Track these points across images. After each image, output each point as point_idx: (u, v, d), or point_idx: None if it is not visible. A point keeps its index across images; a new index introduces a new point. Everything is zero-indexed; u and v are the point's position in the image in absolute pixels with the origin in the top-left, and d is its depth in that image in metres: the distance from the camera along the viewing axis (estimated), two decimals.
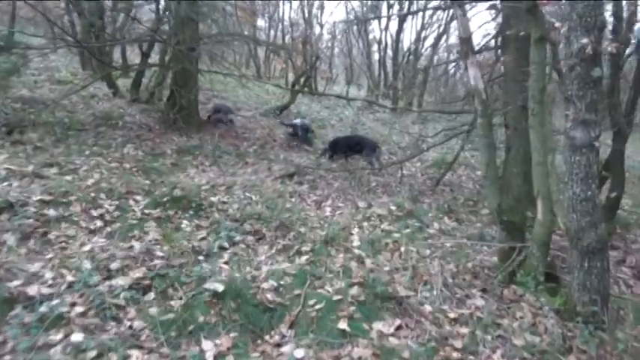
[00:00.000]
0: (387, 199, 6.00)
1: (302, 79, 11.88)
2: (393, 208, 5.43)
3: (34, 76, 10.90)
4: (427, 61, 17.11)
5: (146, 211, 4.66)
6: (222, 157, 7.30)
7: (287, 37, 19.86)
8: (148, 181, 5.48)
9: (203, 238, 4.27)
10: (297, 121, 9.39)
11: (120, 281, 3.21)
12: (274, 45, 9.30)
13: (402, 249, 4.32)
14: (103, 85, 10.87)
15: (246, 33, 15.42)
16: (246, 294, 3.25)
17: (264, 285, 3.44)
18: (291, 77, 22.53)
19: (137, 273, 3.34)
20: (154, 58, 12.22)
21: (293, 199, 5.71)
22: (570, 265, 3.43)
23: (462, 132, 6.59)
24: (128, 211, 4.61)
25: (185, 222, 4.57)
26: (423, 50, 17.58)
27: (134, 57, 12.73)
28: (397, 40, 16.67)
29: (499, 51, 6.74)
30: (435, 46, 16.21)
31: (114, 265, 3.41)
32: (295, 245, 4.29)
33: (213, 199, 5.13)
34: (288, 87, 13.29)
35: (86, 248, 3.67)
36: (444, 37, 16.53)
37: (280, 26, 23.98)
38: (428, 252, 4.34)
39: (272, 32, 24.94)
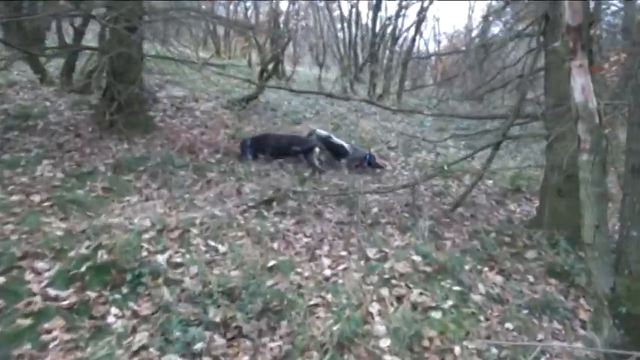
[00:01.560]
0: (401, 237, 4.48)
1: (271, 65, 10.10)
2: (417, 259, 3.90)
3: None
4: (409, 43, 15.54)
5: (51, 293, 2.95)
6: (176, 173, 5.54)
7: (250, 12, 17.81)
8: (61, 230, 3.72)
9: (143, 348, 2.62)
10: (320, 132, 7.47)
11: None
12: (239, 24, 7.51)
13: (457, 350, 2.81)
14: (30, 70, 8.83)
15: (203, 7, 13.41)
16: None
17: None
18: (255, 58, 20.54)
19: None
20: (92, 38, 10.17)
21: (276, 245, 4.09)
22: None
23: (490, 145, 5.11)
24: (21, 295, 2.89)
25: (114, 311, 2.89)
26: (403, 30, 15.97)
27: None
28: (375, 18, 14.99)
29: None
30: (418, 26, 14.64)
31: None
32: (293, 353, 2.71)
33: (160, 259, 3.45)
34: (253, 78, 11.50)
35: None
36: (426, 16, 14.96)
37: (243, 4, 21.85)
38: (494, 352, 2.86)
39: (232, 7, 22.75)
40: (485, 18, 11.23)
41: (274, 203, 4.98)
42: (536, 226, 4.89)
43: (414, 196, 5.29)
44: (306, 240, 4.26)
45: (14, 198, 4.14)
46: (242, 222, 4.37)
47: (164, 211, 4.37)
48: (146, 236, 3.77)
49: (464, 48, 13.98)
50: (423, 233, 4.42)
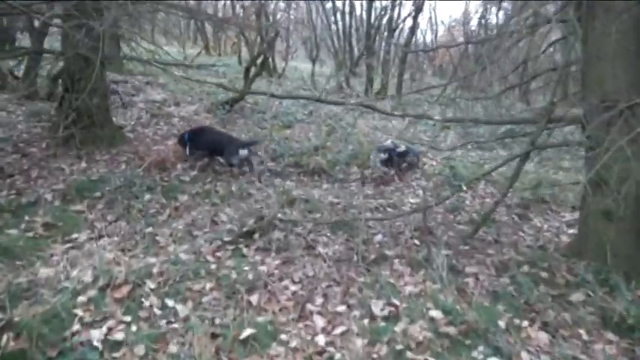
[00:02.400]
0: (413, 279, 3.58)
1: (258, 61, 9.18)
2: (437, 315, 3.02)
3: None
4: (407, 34, 14.56)
5: None
6: (141, 197, 4.63)
7: (238, 7, 16.82)
8: None
9: None
10: (389, 143, 6.59)
11: None
12: (220, 19, 6.62)
13: None
14: None
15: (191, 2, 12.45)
16: None
17: None
18: (245, 54, 19.58)
19: None
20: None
21: (255, 298, 3.19)
22: None
23: (517, 156, 4.20)
24: None
25: None
26: (400, 20, 14.98)
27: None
28: (370, 7, 13.97)
29: None
30: (416, 15, 13.65)
31: None
32: None
33: (94, 336, 2.56)
34: (233, 83, 10.56)
35: None
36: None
37: None
38: None
39: (220, 3, 21.75)
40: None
41: (256, 235, 4.08)
42: (576, 255, 3.99)
43: (425, 222, 4.38)
44: (293, 288, 3.36)
45: None
46: (213, 267, 3.46)
47: (114, 256, 3.46)
48: (82, 299, 2.87)
49: (474, 38, 13.09)
50: (441, 274, 3.52)
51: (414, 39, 14.63)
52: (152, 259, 3.43)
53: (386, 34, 15.06)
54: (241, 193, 5.08)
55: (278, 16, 10.85)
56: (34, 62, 8.13)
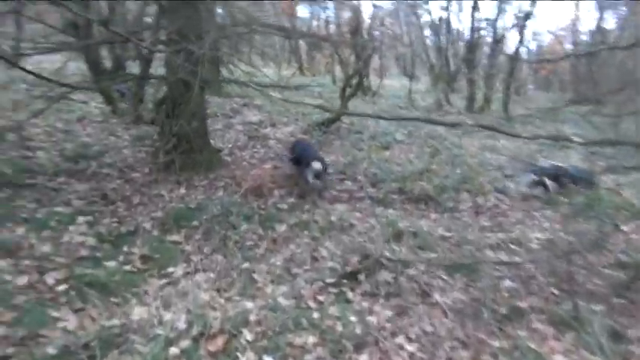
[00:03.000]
0: (562, 345, 2.87)
1: (354, 81, 8.82)
2: None
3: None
4: (516, 44, 13.47)
5: None
6: (237, 228, 4.37)
7: (332, 27, 16.75)
8: (62, 336, 2.63)
9: None
10: (547, 165, 6.16)
11: None
12: (316, 36, 6.34)
13: None
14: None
15: (286, 24, 12.56)
16: None
17: None
18: (338, 73, 19.48)
19: None
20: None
21: (366, 358, 2.69)
22: None
23: None
24: None
25: None
26: (505, 30, 13.90)
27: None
28: (472, 18, 13.07)
29: None
30: (522, 24, 12.54)
31: None
32: None
33: None
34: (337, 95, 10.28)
35: None
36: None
37: (323, 15, 21.01)
38: None
39: (314, 22, 22.01)
40: None
41: (361, 276, 3.60)
42: None
43: (568, 269, 3.61)
44: (410, 348, 2.82)
45: (21, 280, 3.17)
46: (316, 315, 3.03)
47: (209, 297, 3.16)
48: (175, 350, 2.57)
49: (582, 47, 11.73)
50: (599, 339, 2.77)
51: (521, 49, 13.47)
52: (249, 304, 3.07)
53: (489, 46, 14.06)
54: (342, 224, 4.64)
55: (375, 33, 10.45)
56: (140, 88, 8.50)
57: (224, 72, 7.77)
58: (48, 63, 10.96)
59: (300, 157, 5.70)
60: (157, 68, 8.69)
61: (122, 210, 4.48)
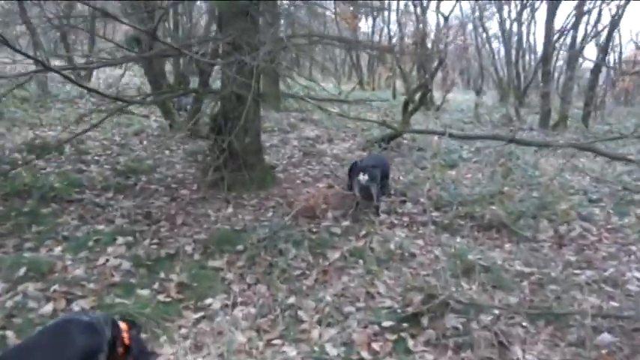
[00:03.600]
0: None
1: (417, 95, 8.25)
2: None
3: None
4: (599, 54, 12.33)
5: None
6: (285, 254, 3.95)
7: (394, 40, 16.28)
8: None
9: None
10: None
11: None
12: (379, 48, 5.91)
13: None
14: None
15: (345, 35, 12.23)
16: None
17: None
18: (399, 87, 18.91)
19: None
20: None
21: None
22: None
23: None
24: None
25: None
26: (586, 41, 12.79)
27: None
28: (549, 28, 12.05)
29: None
30: (610, 33, 11.43)
31: None
32: None
33: None
34: (398, 110, 9.73)
35: None
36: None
37: (385, 29, 20.60)
38: None
39: (376, 37, 21.62)
40: None
41: (424, 320, 3.05)
42: None
43: None
44: None
45: (47, 308, 2.91)
46: None
47: (248, 339, 2.74)
48: None
49: None
50: None
51: (606, 59, 12.29)
52: (292, 351, 2.63)
53: (564, 57, 12.99)
54: (402, 254, 4.11)
55: (441, 45, 9.82)
56: (199, 102, 8.41)
57: (282, 86, 7.48)
58: (113, 79, 11.32)
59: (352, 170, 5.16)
60: (217, 81, 8.62)
61: (164, 230, 4.20)
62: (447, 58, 11.85)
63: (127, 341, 2.19)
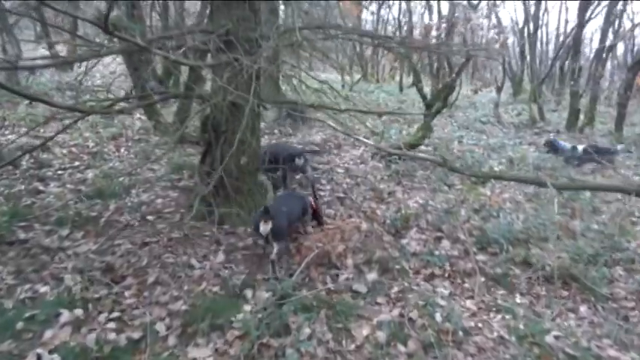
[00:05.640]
0: None
1: (443, 94, 7.11)
2: None
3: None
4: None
5: None
6: (297, 334, 2.85)
7: (403, 26, 15.01)
8: None
9: None
10: None
11: None
12: (414, 44, 4.84)
13: None
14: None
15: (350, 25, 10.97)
16: None
17: None
18: (406, 81, 17.70)
19: None
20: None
21: None
22: None
23: None
24: None
25: None
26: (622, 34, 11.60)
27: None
28: (581, 20, 10.79)
29: None
30: None
31: None
32: None
33: None
34: (407, 104, 8.58)
35: None
36: None
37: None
38: None
39: (379, 27, 20.31)
40: None
41: None
42: None
43: None
44: None
45: None
46: None
47: None
48: None
49: None
50: None
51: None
52: None
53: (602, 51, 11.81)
54: (454, 331, 3.01)
55: (470, 36, 8.61)
56: (185, 106, 7.29)
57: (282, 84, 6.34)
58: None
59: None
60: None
61: (130, 295, 3.07)
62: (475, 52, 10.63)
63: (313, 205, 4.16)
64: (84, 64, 4.78)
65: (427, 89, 8.10)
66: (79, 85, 5.90)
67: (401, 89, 17.01)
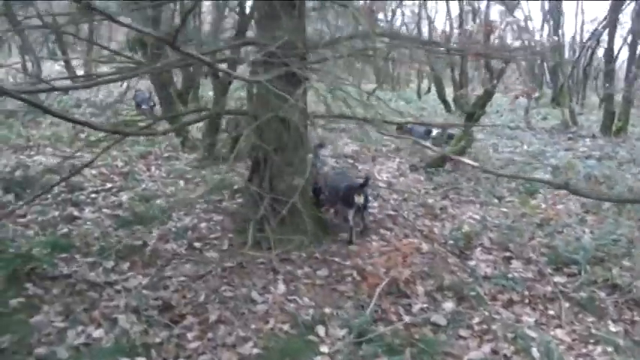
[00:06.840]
0: None
1: (481, 101, 6.79)
2: None
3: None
4: None
5: None
6: None
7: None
8: None
9: None
10: None
11: None
12: (457, 49, 4.57)
13: None
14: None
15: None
16: None
17: None
18: (424, 87, 17.43)
19: None
20: None
21: None
22: None
23: None
24: None
25: None
26: None
27: None
28: (614, 19, 10.42)
29: None
30: None
31: None
32: None
33: None
34: (427, 112, 8.28)
35: None
36: None
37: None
38: None
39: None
40: None
41: None
42: None
43: None
44: None
45: None
46: None
47: None
48: None
49: None
50: None
51: None
52: None
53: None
54: None
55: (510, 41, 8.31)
56: (214, 122, 6.99)
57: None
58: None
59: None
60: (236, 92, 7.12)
61: (193, 338, 2.75)
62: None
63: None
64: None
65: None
66: (115, 104, 5.62)
67: (419, 96, 16.73)
